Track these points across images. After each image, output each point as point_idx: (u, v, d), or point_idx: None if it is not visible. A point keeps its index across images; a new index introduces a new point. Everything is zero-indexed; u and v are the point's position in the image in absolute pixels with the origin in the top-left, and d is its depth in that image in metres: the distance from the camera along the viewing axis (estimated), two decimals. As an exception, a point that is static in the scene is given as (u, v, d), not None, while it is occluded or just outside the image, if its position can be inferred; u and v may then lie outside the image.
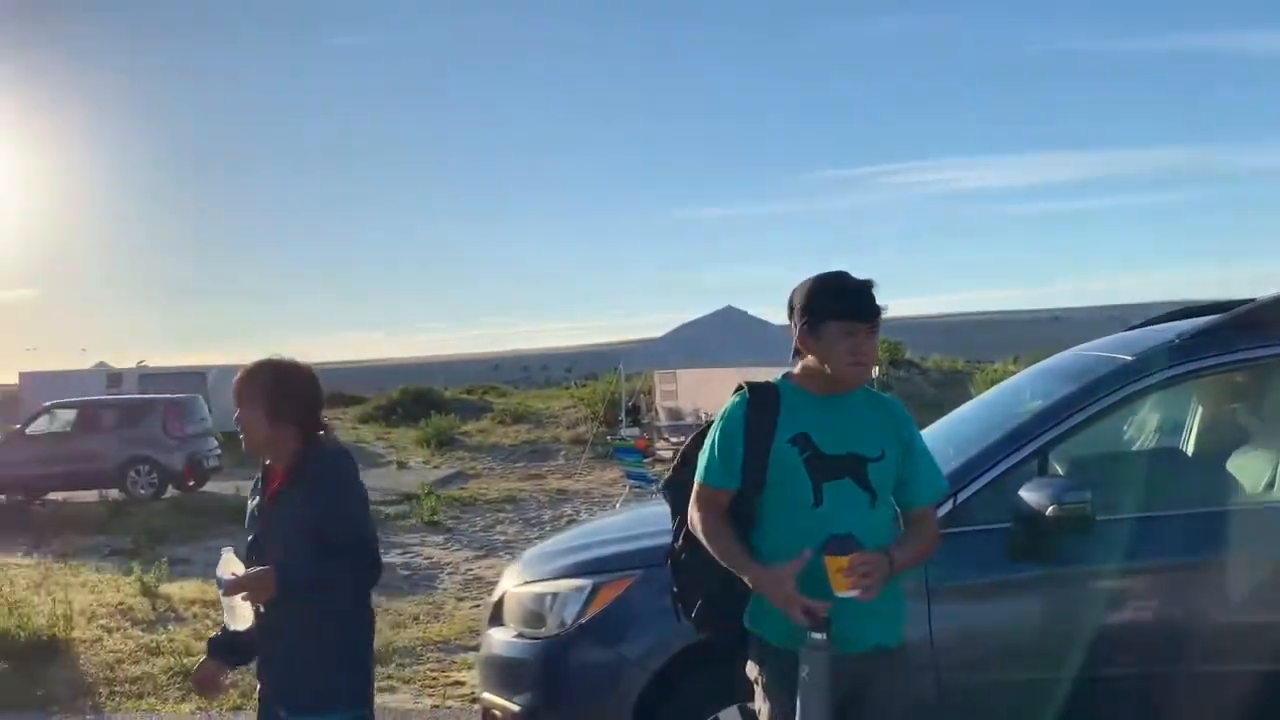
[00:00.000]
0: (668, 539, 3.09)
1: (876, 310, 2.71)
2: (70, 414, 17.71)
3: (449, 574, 10.32)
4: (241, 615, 2.80)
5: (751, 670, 2.83)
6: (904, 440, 2.83)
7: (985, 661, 3.49)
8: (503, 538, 12.29)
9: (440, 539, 12.36)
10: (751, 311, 18.93)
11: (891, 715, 2.80)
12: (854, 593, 2.53)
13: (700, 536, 2.79)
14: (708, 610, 2.91)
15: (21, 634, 7.05)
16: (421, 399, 30.65)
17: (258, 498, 3.07)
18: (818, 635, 2.54)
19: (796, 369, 2.83)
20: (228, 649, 3.08)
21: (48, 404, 18.16)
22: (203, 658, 3.15)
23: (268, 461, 3.07)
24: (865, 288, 2.72)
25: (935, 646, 3.38)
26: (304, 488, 2.91)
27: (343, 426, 26.13)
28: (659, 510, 5.36)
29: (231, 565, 2.80)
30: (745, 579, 2.70)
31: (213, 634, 3.19)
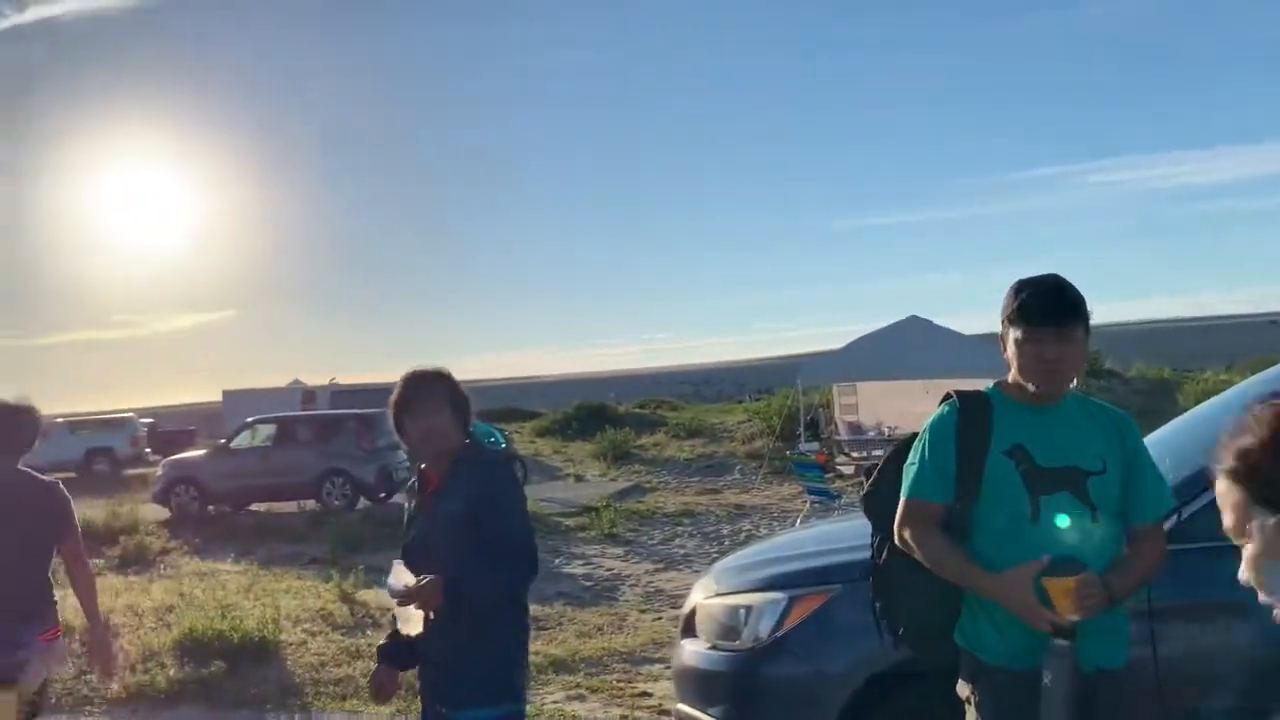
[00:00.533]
0: (866, 554, 3.01)
1: (1061, 315, 2.57)
2: (270, 429, 18.78)
3: (630, 586, 10.39)
4: (414, 622, 2.92)
5: (963, 689, 2.73)
6: (1128, 453, 2.68)
7: (1212, 686, 3.25)
8: (682, 551, 12.31)
9: (620, 551, 12.48)
10: (937, 321, 18.29)
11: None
12: (1076, 616, 2.45)
13: (916, 552, 2.68)
14: (914, 628, 2.84)
15: (235, 636, 7.49)
16: (596, 414, 31.12)
17: (414, 500, 3.20)
18: (1062, 642, 2.46)
19: (1009, 377, 2.71)
20: (398, 653, 3.20)
21: (249, 420, 19.31)
22: (374, 664, 3.29)
23: (423, 466, 3.20)
24: (1050, 290, 2.59)
25: (1159, 669, 3.17)
26: (462, 486, 3.02)
27: (521, 440, 26.77)
28: (854, 525, 5.24)
29: (402, 575, 2.91)
30: (979, 590, 2.61)
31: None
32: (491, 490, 3.04)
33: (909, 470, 2.74)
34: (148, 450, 29.95)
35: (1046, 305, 2.57)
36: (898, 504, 2.75)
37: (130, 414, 33.61)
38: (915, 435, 2.82)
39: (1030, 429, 2.65)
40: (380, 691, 3.26)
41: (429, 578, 2.86)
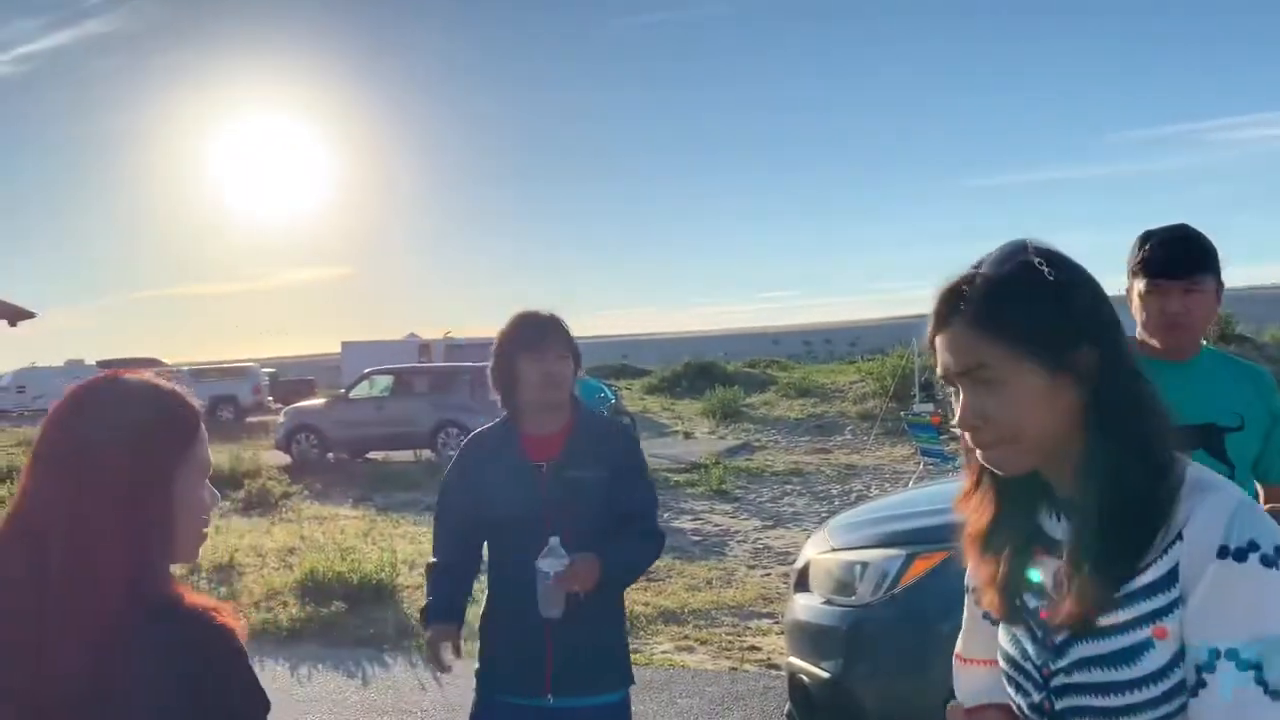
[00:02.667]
0: None
1: (1187, 266, 2.44)
2: (387, 380, 19.24)
3: (738, 542, 10.37)
4: (558, 602, 2.61)
5: None
6: (1273, 411, 2.55)
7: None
8: (791, 509, 12.22)
9: (728, 507, 12.46)
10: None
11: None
12: None
13: None
14: None
15: (354, 578, 7.71)
16: (705, 372, 31.08)
17: (494, 461, 2.80)
18: None
19: (1137, 333, 2.57)
20: (449, 614, 2.86)
21: (367, 370, 19.82)
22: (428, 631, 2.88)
23: (507, 423, 2.86)
24: (1175, 240, 2.47)
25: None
26: (597, 452, 2.76)
27: (630, 397, 26.90)
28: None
29: (556, 555, 2.59)
30: None
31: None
32: (634, 461, 2.83)
33: None
34: (269, 399, 31.03)
35: (1171, 256, 2.46)
36: None
37: (253, 363, 34.80)
38: None
39: (1163, 386, 2.49)
40: (442, 658, 2.81)
41: (585, 556, 2.60)
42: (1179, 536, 1.16)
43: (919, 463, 13.67)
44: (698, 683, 5.74)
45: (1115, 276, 2.76)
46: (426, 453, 17.90)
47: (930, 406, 17.64)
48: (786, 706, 4.03)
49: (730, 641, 6.62)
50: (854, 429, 20.49)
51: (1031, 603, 1.30)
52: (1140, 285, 2.49)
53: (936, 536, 3.69)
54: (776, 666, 5.90)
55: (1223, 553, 1.13)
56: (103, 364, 35.47)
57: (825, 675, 3.72)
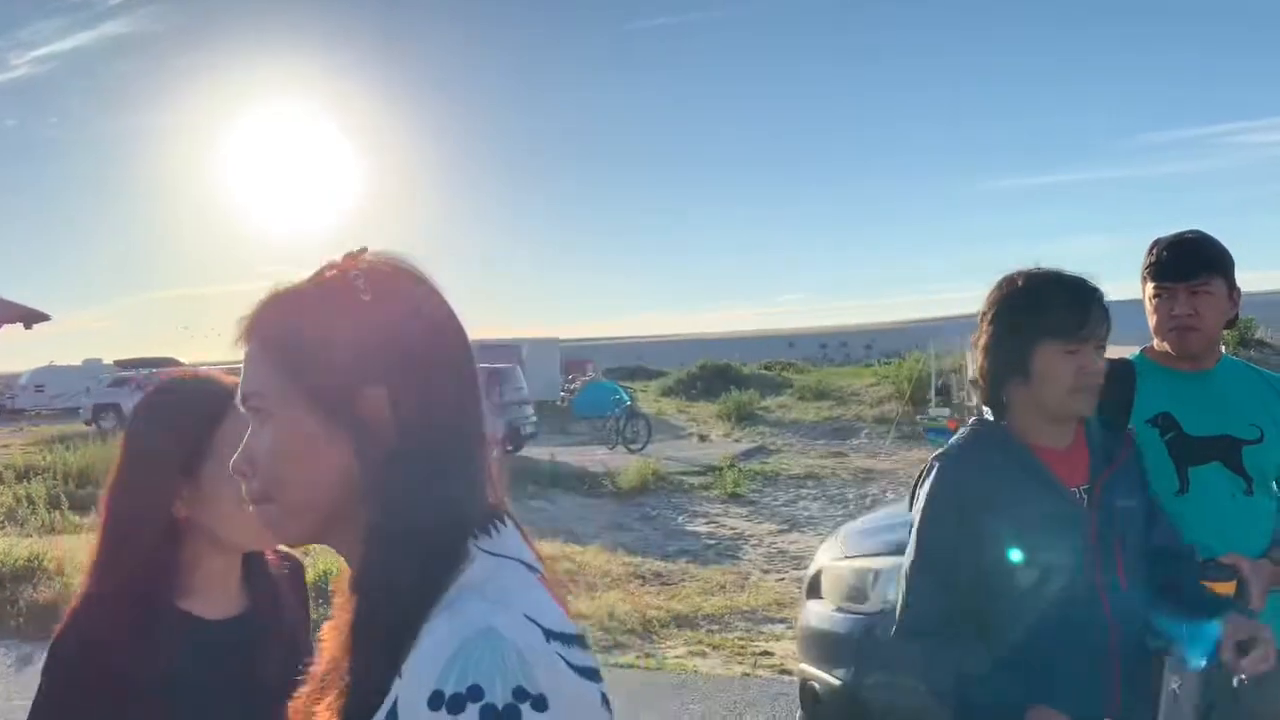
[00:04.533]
0: None
1: (1192, 268, 2.40)
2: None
3: (753, 545, 10.37)
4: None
5: None
6: None
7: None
8: (806, 513, 12.20)
9: (743, 511, 12.45)
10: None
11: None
12: None
13: None
14: None
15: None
16: (721, 374, 31.04)
17: (1046, 492, 2.00)
18: None
19: (1154, 342, 2.56)
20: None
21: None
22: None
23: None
24: (1184, 243, 2.44)
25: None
26: (1136, 476, 2.16)
27: (645, 399, 26.90)
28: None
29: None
30: None
31: None
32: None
33: None
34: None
35: (1178, 258, 2.43)
36: None
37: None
38: None
39: (1178, 396, 2.49)
40: None
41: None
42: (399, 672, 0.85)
43: (935, 468, 13.62)
44: (710, 688, 5.75)
45: (1130, 281, 2.75)
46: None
47: (947, 411, 17.60)
48: (798, 713, 4.03)
49: (743, 646, 6.62)
50: (870, 433, 20.44)
51: None
52: (1150, 289, 2.48)
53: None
54: (789, 672, 5.89)
55: (435, 701, 0.81)
56: (120, 364, 35.71)
57: (836, 683, 3.72)
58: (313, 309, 0.97)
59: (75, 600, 1.43)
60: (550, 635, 0.88)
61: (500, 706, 0.80)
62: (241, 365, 0.99)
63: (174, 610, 1.41)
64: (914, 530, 2.10)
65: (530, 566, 0.98)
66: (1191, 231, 2.51)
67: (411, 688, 0.83)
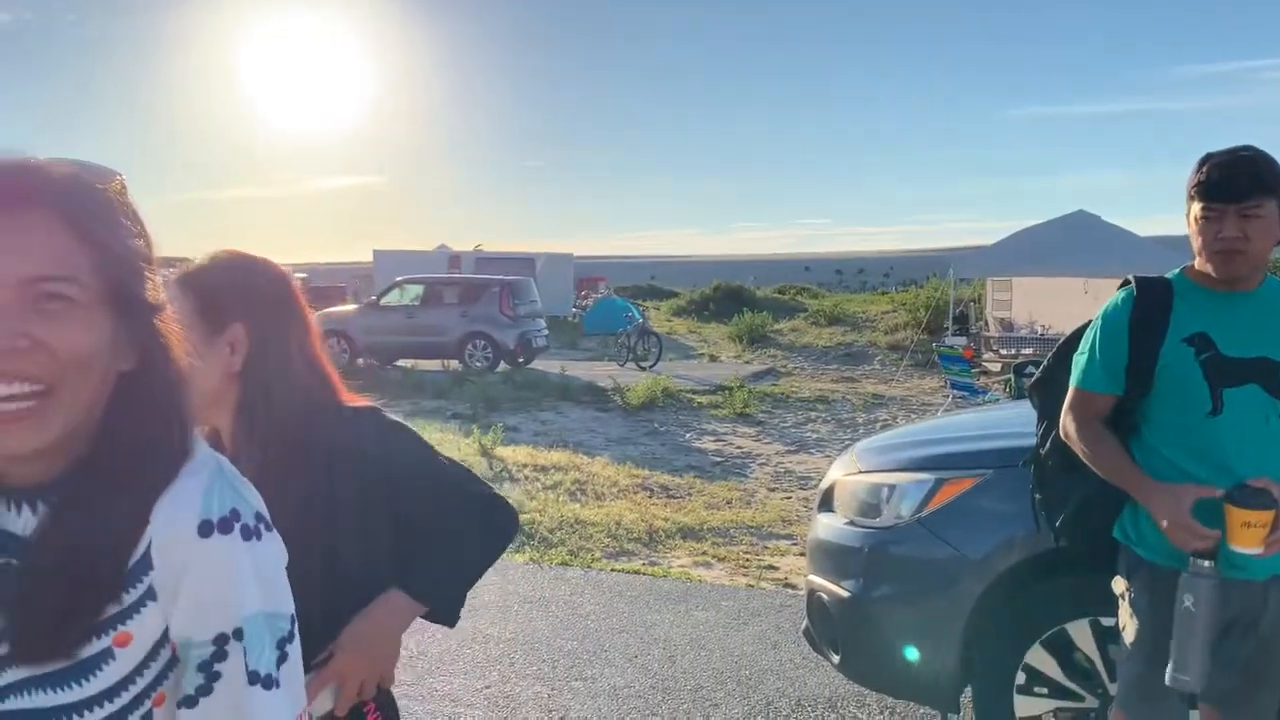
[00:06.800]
0: (1020, 441, 2.94)
1: (1244, 189, 2.31)
2: (418, 289, 19.26)
3: (760, 464, 10.38)
4: None
5: (1118, 585, 2.61)
6: None
7: None
8: (814, 435, 12.21)
9: (751, 431, 12.46)
10: (1105, 218, 17.24)
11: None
12: (1255, 550, 2.26)
13: (1076, 444, 2.57)
14: (1073, 518, 2.71)
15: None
16: (734, 296, 30.96)
17: None
18: (1205, 563, 2.31)
19: (1195, 263, 2.48)
20: None
21: (399, 279, 19.83)
22: None
23: None
24: (1235, 162, 2.34)
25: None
26: None
27: (657, 319, 26.85)
28: (1005, 413, 5.08)
29: None
30: (1132, 492, 2.47)
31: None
32: None
33: (1078, 359, 2.60)
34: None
35: (1228, 177, 2.33)
36: (1066, 393, 2.63)
37: (287, 267, 34.87)
38: (1088, 323, 2.66)
39: (1216, 316, 2.43)
40: None
41: None
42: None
43: (948, 395, 13.58)
44: (714, 596, 5.78)
45: (1161, 215, 2.67)
46: (454, 363, 18.01)
47: (963, 340, 17.49)
48: (803, 623, 4.04)
49: (748, 560, 6.65)
50: (883, 359, 20.39)
51: None
52: (1196, 209, 2.38)
53: (966, 463, 3.66)
54: (794, 586, 5.92)
55: (205, 529, 0.96)
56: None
57: (845, 594, 3.71)
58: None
59: None
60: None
61: (252, 526, 0.99)
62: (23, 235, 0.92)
63: None
64: None
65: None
66: (1245, 148, 2.40)
67: (174, 524, 0.95)
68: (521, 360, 18.49)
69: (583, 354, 22.09)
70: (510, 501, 1.92)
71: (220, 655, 0.96)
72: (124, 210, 0.99)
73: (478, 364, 17.92)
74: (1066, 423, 2.59)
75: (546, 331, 19.51)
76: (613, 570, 6.33)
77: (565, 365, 18.05)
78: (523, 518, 7.03)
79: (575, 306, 30.01)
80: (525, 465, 9.26)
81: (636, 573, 6.27)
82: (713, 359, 21.31)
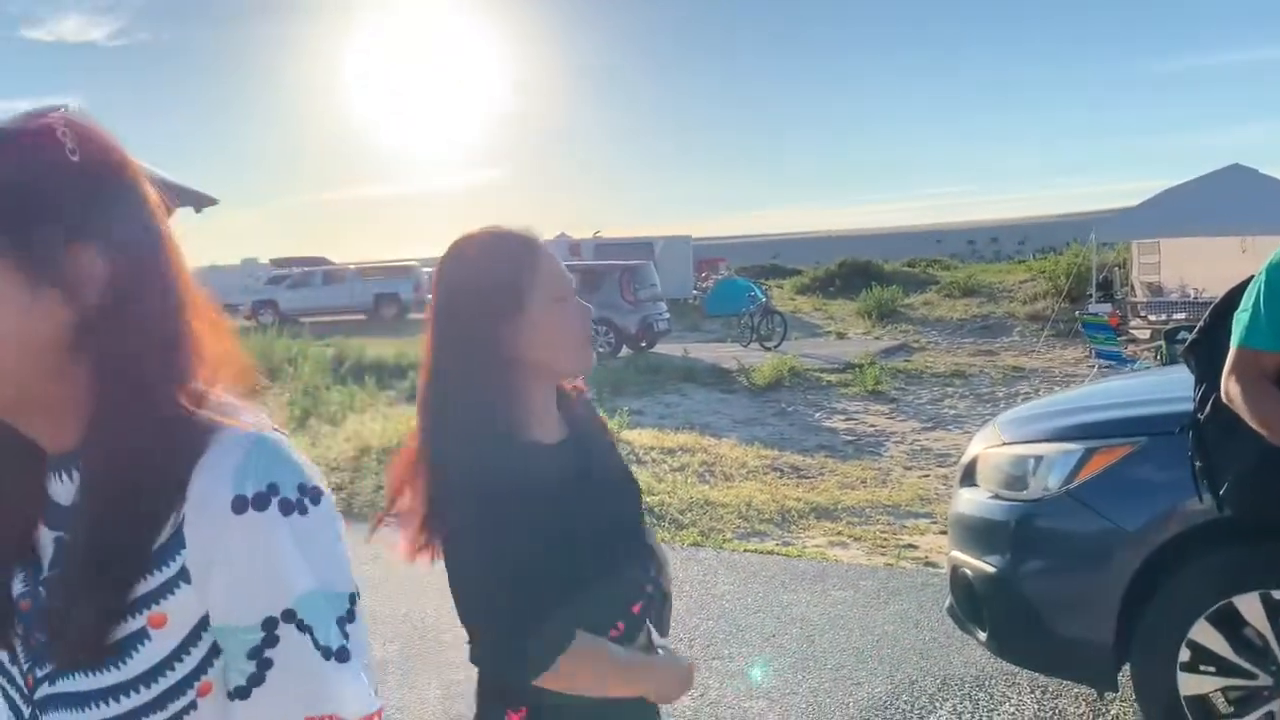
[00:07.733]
0: (1175, 406, 2.86)
1: None
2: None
3: (894, 442, 10.14)
4: None
5: None
6: None
7: None
8: (952, 411, 11.85)
9: (884, 408, 12.19)
10: (1264, 171, 16.12)
11: None
12: None
13: (1241, 407, 2.41)
14: (1238, 486, 2.56)
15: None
16: (860, 271, 30.32)
17: None
18: None
19: None
20: None
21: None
22: None
23: None
24: None
25: None
26: None
27: (780, 297, 26.47)
28: (1158, 379, 4.82)
29: None
30: None
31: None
32: None
33: (1240, 317, 2.45)
34: (429, 296, 31.85)
35: None
36: (1226, 354, 2.48)
37: (414, 262, 35.88)
38: (1248, 281, 2.50)
39: None
40: None
41: None
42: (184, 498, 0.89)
43: (1093, 365, 13.03)
44: (852, 576, 5.65)
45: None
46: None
47: (1108, 307, 16.71)
48: (948, 600, 3.90)
49: (885, 539, 6.49)
50: (1022, 330, 19.68)
51: (18, 588, 0.97)
52: None
53: (1118, 430, 3.51)
54: (935, 564, 5.75)
55: (239, 505, 0.88)
56: (276, 262, 36.97)
57: (990, 570, 3.56)
58: (22, 161, 0.88)
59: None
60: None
61: (293, 500, 0.90)
62: None
63: (525, 438, 1.53)
64: None
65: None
66: None
67: (206, 499, 0.89)
68: (644, 345, 18.52)
69: (706, 336, 21.98)
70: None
71: (271, 640, 0.89)
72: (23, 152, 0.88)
73: (600, 350, 18.02)
74: (1229, 385, 2.44)
75: (668, 315, 19.50)
76: (746, 551, 6.25)
77: (688, 348, 17.99)
78: (651, 500, 7.06)
79: (695, 289, 29.89)
80: (652, 448, 9.23)
81: (770, 553, 6.18)
82: (840, 336, 20.92)
